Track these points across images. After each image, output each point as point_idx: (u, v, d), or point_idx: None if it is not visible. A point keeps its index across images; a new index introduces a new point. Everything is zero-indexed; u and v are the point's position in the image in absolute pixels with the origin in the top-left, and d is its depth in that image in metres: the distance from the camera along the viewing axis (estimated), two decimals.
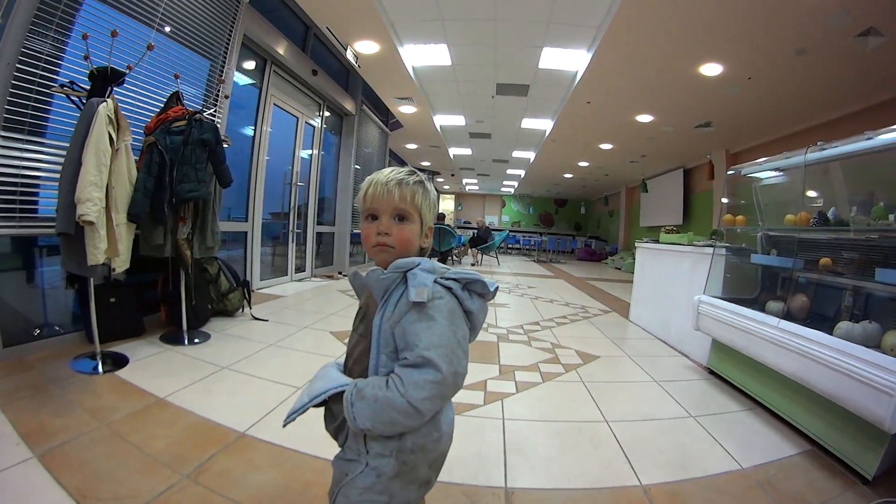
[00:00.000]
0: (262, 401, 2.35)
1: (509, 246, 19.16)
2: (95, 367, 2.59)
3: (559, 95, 7.33)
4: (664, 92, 6.43)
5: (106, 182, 2.45)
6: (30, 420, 1.96)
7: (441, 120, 9.58)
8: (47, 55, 2.67)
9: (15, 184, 2.59)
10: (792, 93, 5.88)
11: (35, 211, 2.74)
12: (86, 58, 2.58)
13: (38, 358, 2.69)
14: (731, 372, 2.92)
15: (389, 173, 1.09)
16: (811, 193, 2.76)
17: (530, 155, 12.37)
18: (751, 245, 3.21)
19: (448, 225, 12.32)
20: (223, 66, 4.24)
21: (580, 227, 21.46)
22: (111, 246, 2.55)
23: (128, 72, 2.73)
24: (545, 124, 9.16)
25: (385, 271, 1.01)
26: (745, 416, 2.56)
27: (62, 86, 2.64)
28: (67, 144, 2.51)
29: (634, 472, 1.91)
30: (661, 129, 8.31)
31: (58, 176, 2.54)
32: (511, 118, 9.03)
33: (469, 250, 13.44)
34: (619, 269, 12.53)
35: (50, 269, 3.01)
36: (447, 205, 23.18)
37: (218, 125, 3.63)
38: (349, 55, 6.19)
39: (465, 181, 19.33)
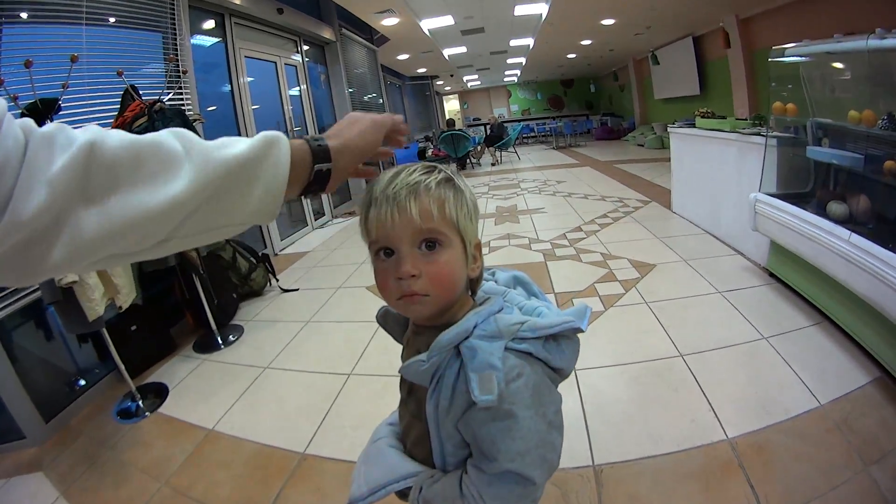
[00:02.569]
0: (315, 403, 2.26)
1: (524, 136, 18.47)
2: (137, 409, 2.48)
3: None
4: None
5: None
6: (95, 499, 1.88)
7: (428, 24, 8.80)
8: None
9: None
10: None
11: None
12: (14, 99, 2.25)
13: (82, 419, 2.56)
14: (794, 278, 2.68)
15: (396, 177, 0.66)
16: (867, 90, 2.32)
17: (529, 41, 11.47)
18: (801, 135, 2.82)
19: (460, 130, 11.88)
20: (175, 39, 3.79)
21: (592, 105, 20.37)
22: (108, 287, 2.34)
23: (61, 98, 2.39)
24: (540, 8, 8.33)
25: (424, 359, 0.68)
26: (815, 333, 2.36)
27: None
28: None
29: (720, 422, 1.78)
30: None
31: None
32: (502, 7, 8.24)
33: (486, 150, 12.95)
34: (642, 145, 11.95)
35: None
36: (452, 105, 22.34)
37: (187, 106, 3.29)
38: None
39: (465, 78, 18.40)
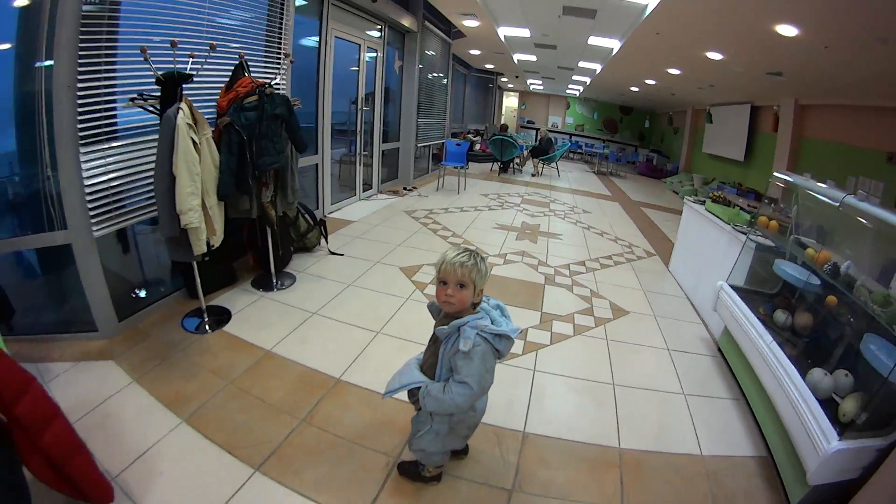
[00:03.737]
0: (350, 347, 3.07)
1: (572, 152, 18.95)
2: (203, 325, 3.17)
3: (628, 22, 7.07)
4: (737, 38, 6.11)
5: (200, 186, 2.75)
6: (166, 389, 2.49)
7: (505, 31, 9.38)
8: (104, 72, 2.77)
9: (102, 189, 2.81)
10: (869, 73, 5.53)
11: (124, 206, 2.99)
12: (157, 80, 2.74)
13: (150, 323, 3.15)
14: (732, 358, 3.27)
15: (455, 256, 1.64)
16: (840, 235, 2.87)
17: (596, 66, 11.91)
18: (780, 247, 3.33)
19: (509, 136, 12.47)
20: (281, 19, 4.35)
21: (644, 137, 20.66)
22: (209, 228, 2.90)
23: (189, 69, 2.91)
24: (612, 43, 8.82)
25: (447, 327, 1.64)
26: (729, 406, 2.93)
27: (133, 99, 2.76)
28: (139, 144, 2.98)
29: (618, 436, 2.52)
30: (732, 68, 7.92)
31: (136, 172, 2.99)
32: (577, 35, 8.71)
33: (530, 160, 13.51)
34: (676, 192, 12.42)
35: (143, 236, 3.44)
36: (511, 101, 22.61)
37: (282, 86, 3.89)
38: None
39: (529, 81, 18.72)
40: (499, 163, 12.33)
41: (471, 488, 2.05)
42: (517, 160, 12.88)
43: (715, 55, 7.40)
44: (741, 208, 4.37)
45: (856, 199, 2.52)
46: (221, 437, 2.19)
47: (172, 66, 2.79)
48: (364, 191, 7.38)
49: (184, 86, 2.80)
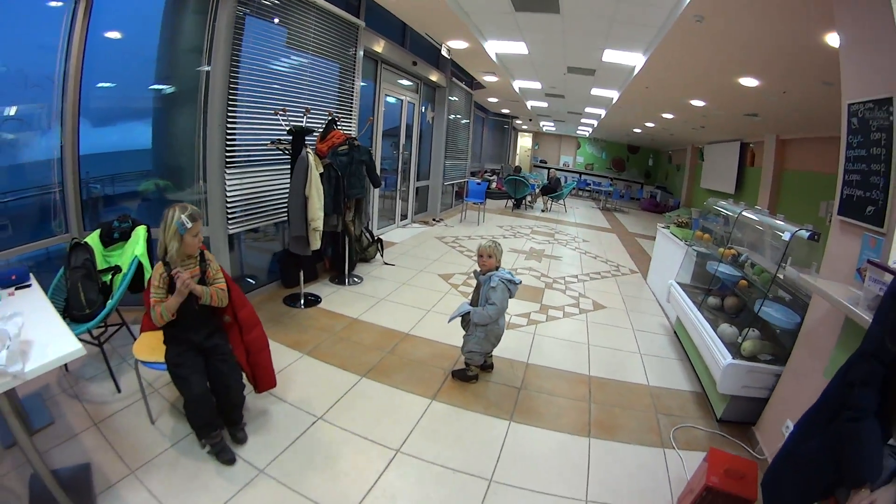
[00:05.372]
0: (411, 317, 4.53)
1: (580, 190, 20.45)
2: (300, 304, 4.57)
3: (622, 78, 8.48)
4: (712, 89, 7.40)
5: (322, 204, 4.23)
6: (286, 338, 3.81)
7: (519, 84, 10.94)
8: (241, 118, 4.10)
9: (237, 200, 4.15)
10: (824, 111, 6.53)
11: (251, 214, 4.35)
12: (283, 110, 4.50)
13: (258, 302, 4.43)
14: (681, 333, 4.55)
15: (486, 243, 3.18)
16: (737, 236, 4.29)
17: (601, 111, 13.33)
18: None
19: (523, 176, 14.02)
20: (353, 74, 5.81)
21: (650, 174, 22.02)
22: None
23: (315, 129, 4.56)
24: (612, 93, 10.21)
25: (484, 276, 3.18)
26: (674, 363, 4.17)
27: (273, 142, 4.36)
28: (268, 171, 4.48)
29: (589, 369, 3.90)
30: (715, 111, 9.17)
31: (261, 190, 4.44)
32: (581, 88, 10.25)
33: (541, 198, 15.06)
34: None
35: (248, 242, 4.83)
36: (525, 142, 24.15)
37: (355, 137, 5.36)
38: (443, 51, 7.82)
39: (542, 123, 20.21)
40: (513, 200, 13.92)
41: (495, 386, 3.45)
42: (529, 197, 14.41)
43: (698, 102, 8.75)
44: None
45: (747, 212, 4.05)
46: (335, 361, 3.57)
47: (287, 122, 4.37)
48: (401, 219, 8.88)
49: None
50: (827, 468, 1.47)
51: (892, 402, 1.43)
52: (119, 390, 2.96)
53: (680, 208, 15.76)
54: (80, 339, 1.89)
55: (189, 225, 2.37)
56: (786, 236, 3.24)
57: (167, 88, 4.22)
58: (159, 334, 2.59)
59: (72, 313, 2.92)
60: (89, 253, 3.18)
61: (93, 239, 3.32)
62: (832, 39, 3.89)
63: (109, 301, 3.02)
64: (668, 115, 11.28)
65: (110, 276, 3.20)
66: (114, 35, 4.00)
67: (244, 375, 2.67)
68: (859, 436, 1.40)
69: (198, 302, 2.47)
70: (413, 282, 5.63)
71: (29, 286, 2.55)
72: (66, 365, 2.72)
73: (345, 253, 5.26)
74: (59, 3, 3.64)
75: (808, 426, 1.65)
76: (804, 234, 3.11)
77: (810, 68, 4.98)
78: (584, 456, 2.76)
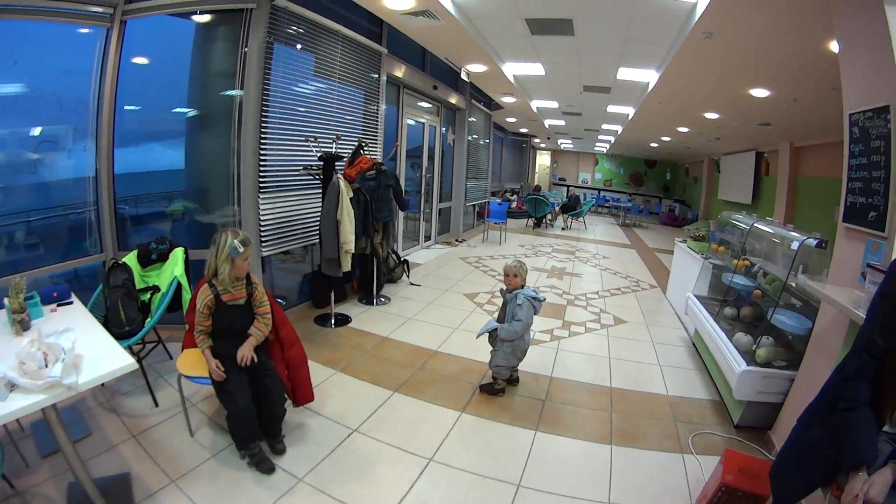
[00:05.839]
0: (439, 335, 4.75)
1: (599, 206, 20.53)
2: (331, 323, 4.77)
3: (636, 95, 8.70)
4: (724, 102, 7.56)
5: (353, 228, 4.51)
6: (320, 356, 4.03)
7: (537, 103, 11.21)
8: (271, 145, 4.33)
9: (270, 223, 4.40)
10: (835, 116, 6.37)
11: (283, 237, 4.61)
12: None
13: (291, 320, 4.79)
14: (699, 345, 4.66)
15: (511, 263, 3.44)
16: (750, 247, 4.43)
17: (618, 128, 13.50)
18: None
19: (543, 195, 14.25)
20: (377, 99, 6.12)
21: (668, 188, 22.05)
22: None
23: (345, 156, 4.88)
24: (628, 110, 10.43)
25: (510, 294, 3.43)
26: (693, 373, 4.28)
27: (305, 168, 4.62)
28: (299, 195, 4.73)
29: (610, 380, 4.07)
30: (729, 122, 9.26)
31: (297, 214, 4.74)
32: (598, 105, 10.49)
33: (561, 216, 15.24)
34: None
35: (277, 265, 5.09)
36: (544, 160, 24.38)
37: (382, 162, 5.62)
38: (462, 75, 8.08)
39: (560, 141, 20.38)
40: (533, 219, 14.12)
41: (521, 398, 3.63)
42: (549, 216, 14.61)
43: (712, 115, 8.91)
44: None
45: (759, 223, 4.22)
46: (368, 377, 3.79)
47: (318, 148, 4.67)
48: (424, 241, 9.14)
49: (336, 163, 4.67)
50: (828, 456, 1.59)
51: (884, 392, 1.58)
52: (157, 404, 3.20)
53: (698, 221, 15.73)
54: None
55: (241, 250, 2.58)
56: (794, 245, 3.41)
57: (198, 112, 4.53)
58: (208, 343, 2.77)
59: (111, 330, 3.13)
60: (128, 273, 3.45)
61: (130, 259, 3.60)
62: (835, 47, 4.02)
63: (149, 319, 3.26)
64: (684, 129, 11.41)
65: (149, 296, 3.47)
66: (145, 60, 4.37)
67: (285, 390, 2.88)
68: (853, 423, 1.53)
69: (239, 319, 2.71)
70: (439, 301, 5.85)
71: (71, 303, 2.77)
72: None
73: (373, 274, 5.51)
74: (89, 31, 4.02)
75: (810, 417, 1.79)
76: (812, 242, 3.27)
77: (818, 76, 5.12)
78: (607, 462, 2.92)
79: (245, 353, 2.59)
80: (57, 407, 1.89)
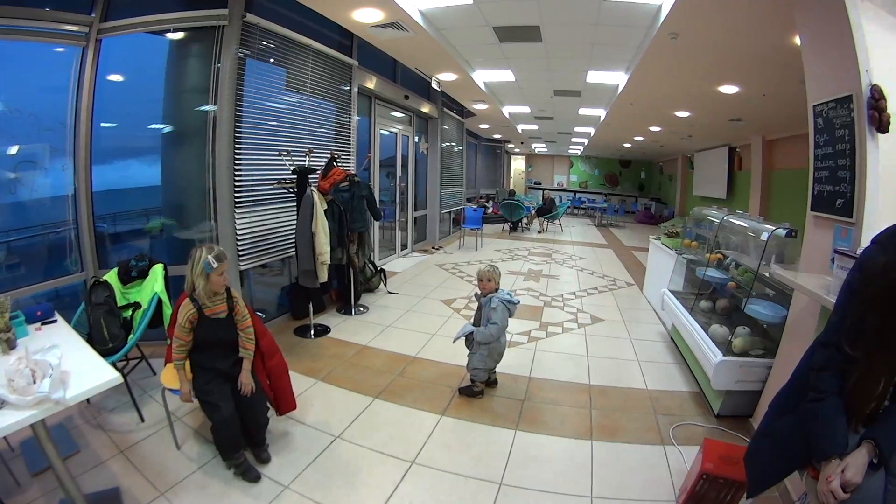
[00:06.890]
0: (417, 342, 4.73)
1: (575, 208, 20.71)
2: (310, 334, 4.75)
3: (607, 97, 8.86)
4: (694, 99, 7.72)
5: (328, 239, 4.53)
6: (301, 366, 4.01)
7: (509, 109, 11.36)
8: (245, 159, 4.33)
9: (247, 237, 4.39)
10: (805, 110, 6.63)
11: (263, 249, 4.63)
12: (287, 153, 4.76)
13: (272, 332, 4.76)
14: (676, 339, 4.72)
15: (485, 268, 3.42)
16: (723, 240, 4.50)
17: (590, 130, 13.79)
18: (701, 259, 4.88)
19: (518, 199, 14.33)
20: (349, 111, 6.14)
21: (643, 187, 22.40)
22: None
23: (318, 169, 4.88)
24: (599, 112, 10.61)
25: (484, 298, 3.44)
26: (672, 367, 4.33)
27: (279, 181, 4.64)
28: (275, 209, 4.73)
29: (589, 377, 4.09)
30: (700, 120, 9.46)
31: (273, 227, 4.72)
32: (569, 108, 10.66)
33: (536, 219, 15.35)
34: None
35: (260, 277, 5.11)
36: (518, 164, 24.66)
37: (355, 173, 5.65)
38: (433, 84, 8.13)
39: (534, 145, 20.71)
40: (509, 223, 14.19)
41: (501, 399, 3.63)
42: (525, 220, 14.71)
43: (683, 113, 9.11)
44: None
45: (730, 217, 4.30)
46: (348, 385, 3.77)
47: (291, 162, 4.68)
48: (401, 249, 9.13)
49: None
50: (800, 442, 1.62)
51: (852, 385, 1.60)
52: (143, 419, 3.18)
53: (674, 218, 16.01)
54: None
55: (216, 265, 2.58)
56: (764, 236, 3.47)
57: (173, 128, 4.52)
58: (185, 364, 2.79)
59: (95, 347, 3.10)
60: (109, 290, 3.43)
61: (111, 277, 3.59)
62: (799, 41, 4.14)
63: (131, 336, 3.27)
64: (656, 128, 11.63)
65: (130, 312, 3.46)
66: (120, 78, 4.36)
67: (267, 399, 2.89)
68: (821, 414, 1.56)
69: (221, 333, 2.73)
70: (417, 308, 5.84)
71: (55, 321, 2.81)
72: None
73: (350, 284, 5.49)
74: (64, 50, 4.01)
75: (781, 405, 1.82)
76: (781, 232, 3.34)
77: (785, 70, 5.23)
78: (588, 457, 2.94)
79: (244, 380, 2.68)
80: (46, 423, 1.91)
